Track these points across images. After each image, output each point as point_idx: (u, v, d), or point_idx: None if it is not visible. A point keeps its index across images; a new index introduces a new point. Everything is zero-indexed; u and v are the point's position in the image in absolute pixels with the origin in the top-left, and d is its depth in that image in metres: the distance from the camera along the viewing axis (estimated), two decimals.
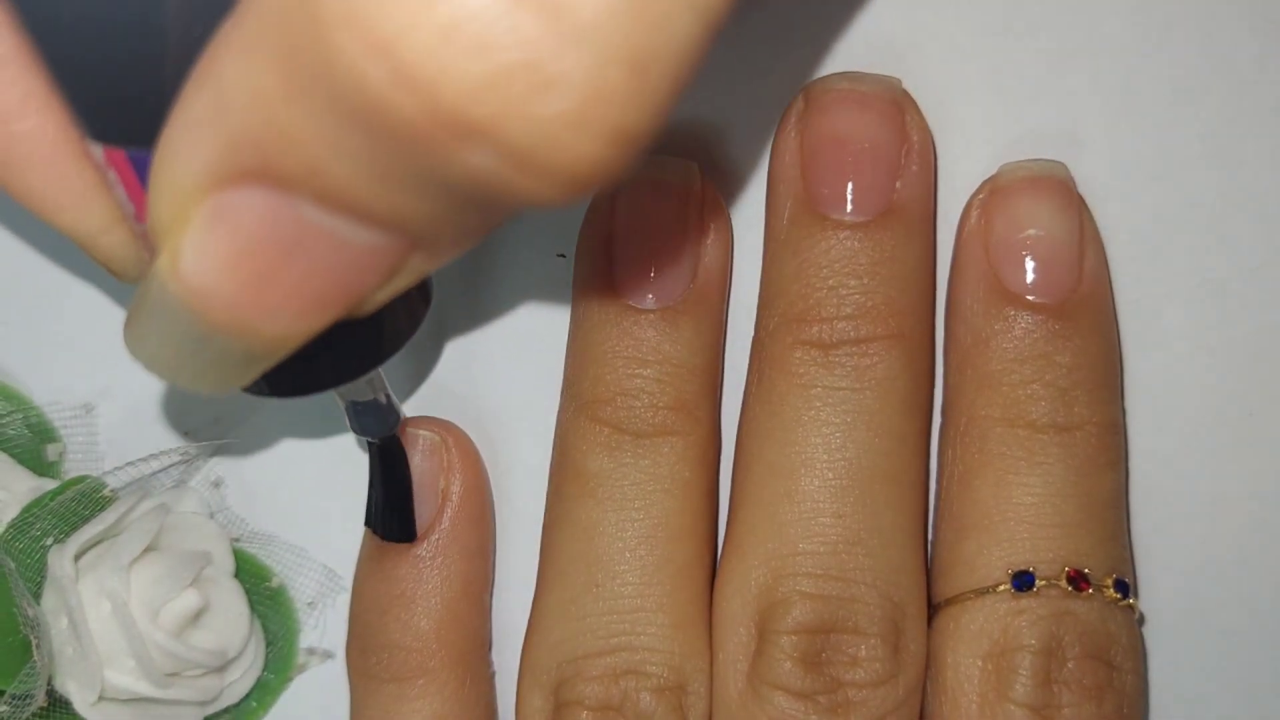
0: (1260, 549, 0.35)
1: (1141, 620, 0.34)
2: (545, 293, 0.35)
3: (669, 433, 0.33)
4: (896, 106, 0.33)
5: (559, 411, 0.35)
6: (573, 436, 0.34)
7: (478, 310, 0.36)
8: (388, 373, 0.32)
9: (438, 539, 0.34)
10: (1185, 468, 0.35)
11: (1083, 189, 0.34)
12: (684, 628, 0.33)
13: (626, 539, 0.33)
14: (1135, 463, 0.35)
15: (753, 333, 0.34)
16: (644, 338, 0.33)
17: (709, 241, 0.34)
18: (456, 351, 0.36)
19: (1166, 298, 0.35)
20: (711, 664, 0.33)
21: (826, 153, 0.33)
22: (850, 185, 0.33)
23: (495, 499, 0.36)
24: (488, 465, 0.36)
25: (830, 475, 0.32)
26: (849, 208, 0.33)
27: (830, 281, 0.32)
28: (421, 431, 0.35)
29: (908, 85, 0.34)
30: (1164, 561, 0.35)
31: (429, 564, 0.34)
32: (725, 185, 0.35)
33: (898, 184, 0.33)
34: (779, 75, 0.34)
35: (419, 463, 0.34)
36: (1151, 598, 0.35)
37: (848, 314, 0.32)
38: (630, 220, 0.34)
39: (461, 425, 0.36)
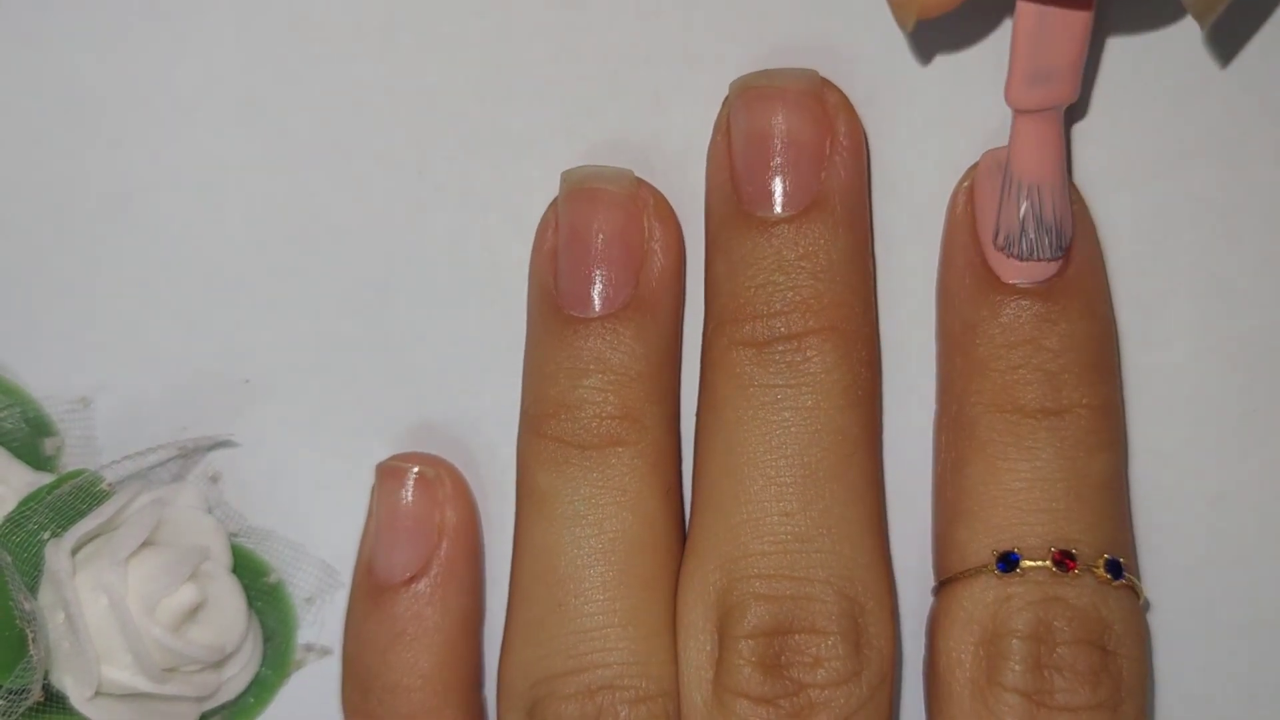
0: (1263, 546, 0.35)
1: (1146, 606, 0.34)
2: (517, 317, 0.35)
3: (616, 443, 0.33)
4: (816, 98, 0.33)
5: (517, 431, 0.35)
6: (524, 454, 0.34)
7: (444, 337, 0.36)
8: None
9: (436, 575, 0.34)
10: (1188, 464, 0.35)
11: (1085, 185, 0.34)
12: (654, 638, 0.33)
13: (585, 556, 0.33)
14: (1137, 459, 0.35)
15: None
16: (585, 348, 0.33)
17: (653, 245, 0.34)
18: (425, 381, 0.36)
19: (1170, 294, 0.35)
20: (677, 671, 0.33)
21: (748, 151, 0.33)
22: (773, 181, 0.33)
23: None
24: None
25: (774, 474, 0.32)
26: (774, 204, 0.33)
27: (758, 279, 0.32)
28: (413, 466, 0.35)
29: (908, 79, 0.35)
30: (1166, 559, 0.35)
31: (428, 600, 0.34)
32: (685, 192, 0.35)
33: (822, 175, 0.33)
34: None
35: (412, 499, 0.34)
36: (1150, 593, 0.35)
37: (778, 310, 0.32)
38: (568, 231, 0.34)
39: (443, 457, 0.36)
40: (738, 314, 0.33)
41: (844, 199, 0.33)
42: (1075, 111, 0.35)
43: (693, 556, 0.33)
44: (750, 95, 0.33)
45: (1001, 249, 0.32)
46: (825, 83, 0.33)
